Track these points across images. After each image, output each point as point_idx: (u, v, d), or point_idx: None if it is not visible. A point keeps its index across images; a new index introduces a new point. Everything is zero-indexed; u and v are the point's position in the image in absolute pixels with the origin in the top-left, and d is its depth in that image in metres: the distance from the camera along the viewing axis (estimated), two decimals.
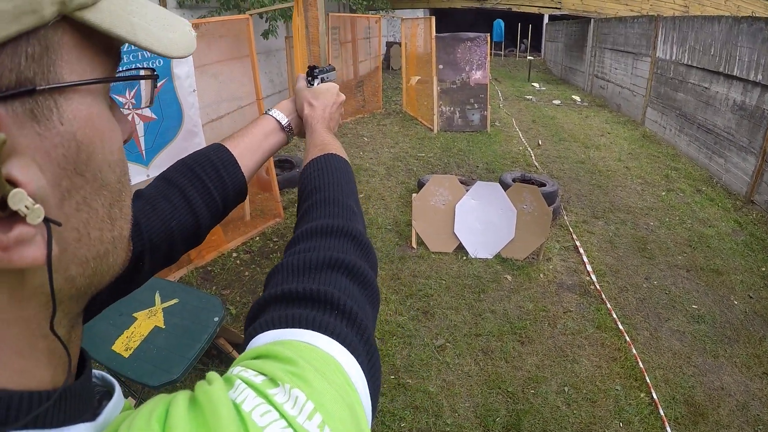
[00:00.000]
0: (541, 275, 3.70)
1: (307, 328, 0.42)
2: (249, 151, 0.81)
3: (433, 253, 3.95)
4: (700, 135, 6.52)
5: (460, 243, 3.96)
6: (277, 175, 4.64)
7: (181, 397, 0.34)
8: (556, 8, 14.92)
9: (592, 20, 12.53)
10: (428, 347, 2.90)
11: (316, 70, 1.02)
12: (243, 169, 0.78)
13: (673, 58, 7.52)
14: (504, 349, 2.90)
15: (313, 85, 0.99)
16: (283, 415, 0.33)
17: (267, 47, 8.03)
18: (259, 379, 0.35)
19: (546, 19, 18.81)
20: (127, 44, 0.34)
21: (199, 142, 3.30)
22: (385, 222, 4.50)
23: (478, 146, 7.07)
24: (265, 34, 6.91)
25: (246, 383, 0.35)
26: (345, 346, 0.42)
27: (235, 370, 0.37)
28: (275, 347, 0.39)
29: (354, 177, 0.73)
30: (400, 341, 2.93)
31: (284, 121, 0.89)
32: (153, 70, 0.43)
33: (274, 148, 0.88)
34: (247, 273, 3.71)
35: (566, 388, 2.63)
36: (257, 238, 4.22)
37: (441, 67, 7.73)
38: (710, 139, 6.24)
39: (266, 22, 6.97)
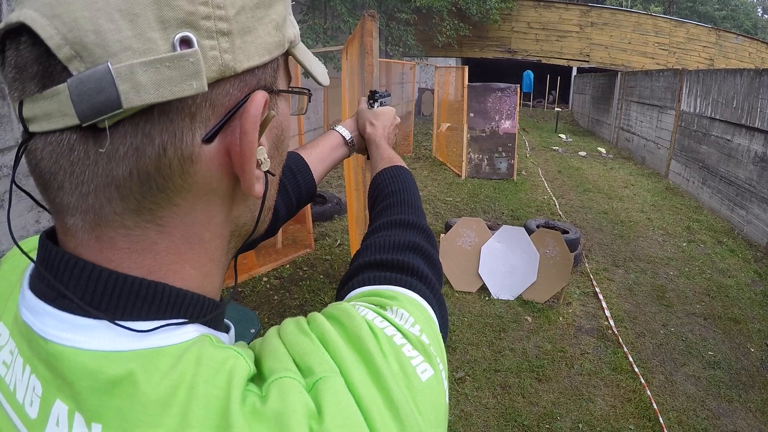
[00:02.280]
0: (561, 318, 3.86)
1: (396, 285, 0.50)
2: (319, 159, 0.94)
3: (456, 291, 4.15)
4: (723, 187, 6.65)
5: (484, 283, 4.16)
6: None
7: (314, 313, 0.43)
8: (585, 61, 15.40)
9: (619, 73, 12.89)
10: (448, 379, 3.07)
11: (377, 94, 1.14)
12: (314, 175, 0.90)
13: (697, 111, 7.73)
14: (521, 385, 3.06)
15: (373, 107, 1.11)
16: (393, 324, 0.42)
17: (305, 86, 8.59)
18: (372, 305, 0.45)
19: (574, 71, 19.29)
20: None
21: None
22: None
23: (505, 194, 7.31)
24: (306, 74, 7.44)
25: (363, 306, 0.44)
26: (426, 300, 0.50)
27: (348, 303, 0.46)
28: (376, 292, 0.49)
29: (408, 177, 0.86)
30: None
31: (348, 136, 1.03)
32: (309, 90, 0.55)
33: (338, 159, 1.04)
34: (276, 297, 3.96)
35: (580, 425, 2.76)
36: (287, 265, 4.48)
37: (472, 115, 8.08)
38: (732, 191, 6.37)
39: None
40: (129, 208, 0.35)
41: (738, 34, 15.25)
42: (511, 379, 3.11)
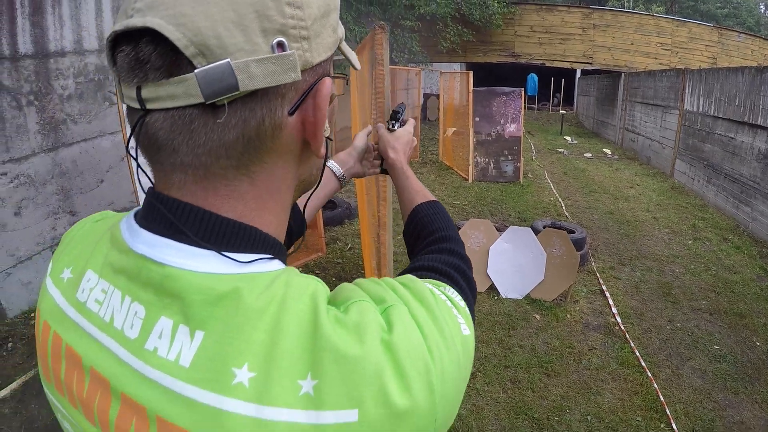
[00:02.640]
0: (568, 315, 3.98)
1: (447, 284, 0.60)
2: (311, 197, 0.95)
3: None
4: (727, 185, 6.74)
5: (493, 283, 4.29)
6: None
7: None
8: (588, 63, 15.51)
9: (623, 74, 12.98)
10: None
11: (397, 114, 1.18)
12: (306, 213, 0.93)
13: (700, 110, 7.82)
14: (531, 380, 3.19)
15: (394, 129, 1.16)
16: (446, 295, 0.53)
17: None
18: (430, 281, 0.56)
19: (578, 74, 19.38)
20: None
21: None
22: None
23: (511, 196, 7.44)
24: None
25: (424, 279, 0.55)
26: (467, 303, 0.58)
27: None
28: (431, 277, 0.60)
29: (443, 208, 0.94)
30: None
31: (339, 172, 1.09)
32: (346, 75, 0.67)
33: (329, 194, 1.12)
34: None
35: (589, 417, 2.89)
36: (300, 269, 4.64)
37: (477, 119, 8.22)
38: (736, 189, 6.46)
39: None
40: (231, 164, 0.47)
41: (740, 32, 15.33)
42: (521, 375, 3.24)
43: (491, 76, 17.42)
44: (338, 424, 0.40)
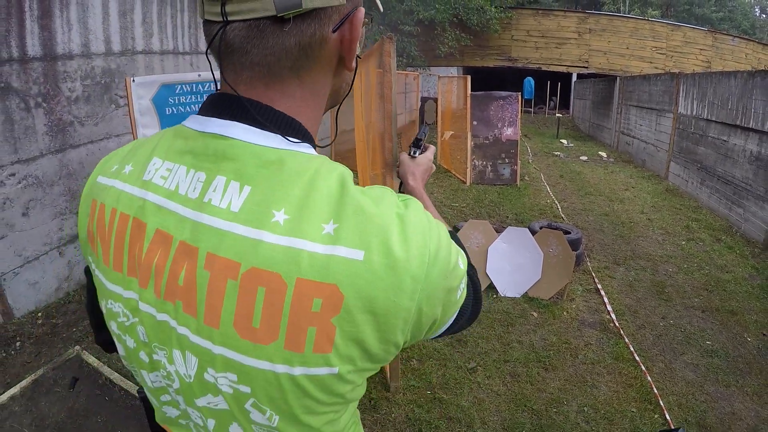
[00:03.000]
0: (565, 313, 4.08)
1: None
2: None
3: None
4: (720, 186, 6.87)
5: (491, 282, 4.39)
6: None
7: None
8: (584, 67, 15.66)
9: (618, 78, 13.13)
10: (461, 369, 3.31)
11: (421, 142, 1.24)
12: None
13: (694, 113, 7.96)
14: (529, 373, 3.29)
15: (415, 156, 1.23)
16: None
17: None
18: None
19: (574, 77, 19.56)
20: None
21: None
22: None
23: (509, 198, 7.55)
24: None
25: None
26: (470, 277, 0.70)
27: None
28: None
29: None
30: (436, 363, 3.35)
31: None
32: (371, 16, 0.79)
33: None
34: None
35: (586, 408, 2.98)
36: None
37: (475, 123, 8.34)
38: (729, 190, 6.59)
39: None
40: (287, 65, 0.60)
41: (734, 36, 15.50)
42: (520, 369, 3.33)
43: (488, 80, 17.60)
44: (347, 258, 0.53)
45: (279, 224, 0.55)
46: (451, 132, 9.45)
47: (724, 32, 16.64)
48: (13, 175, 3.69)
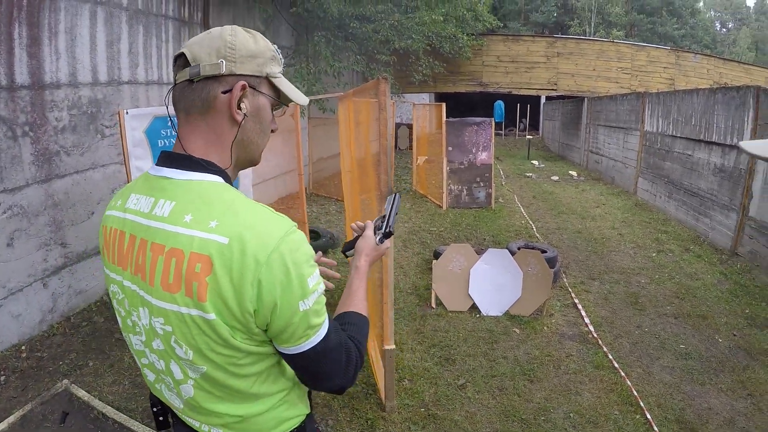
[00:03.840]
0: (545, 328, 4.23)
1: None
2: None
3: (450, 311, 4.50)
4: (687, 199, 7.18)
5: (474, 303, 4.52)
6: None
7: None
8: (553, 89, 16.16)
9: (586, 99, 13.58)
10: (451, 386, 3.40)
11: (387, 221, 1.36)
12: None
13: (660, 130, 8.31)
14: (516, 386, 3.40)
15: (380, 243, 1.34)
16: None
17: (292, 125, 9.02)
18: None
19: (543, 99, 20.12)
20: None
21: None
22: (405, 286, 5.09)
23: (484, 221, 7.73)
24: (302, 113, 7.89)
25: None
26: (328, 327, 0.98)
27: None
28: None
29: (368, 329, 1.17)
30: (426, 382, 3.44)
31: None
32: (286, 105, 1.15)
33: None
34: None
35: (572, 415, 3.11)
36: None
37: (450, 149, 8.54)
38: (696, 202, 6.89)
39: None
40: (197, 111, 0.97)
41: (696, 53, 16.21)
42: (507, 382, 3.45)
43: (459, 105, 18.01)
44: (218, 241, 0.86)
45: (186, 222, 0.90)
46: (426, 157, 9.65)
47: (686, 50, 17.42)
48: None
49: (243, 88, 0.97)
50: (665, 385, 3.44)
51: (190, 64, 0.96)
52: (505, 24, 31.38)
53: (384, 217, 1.38)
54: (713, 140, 6.47)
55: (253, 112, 1.01)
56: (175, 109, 1.02)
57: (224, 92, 0.96)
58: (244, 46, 0.98)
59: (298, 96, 1.10)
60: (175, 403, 1.08)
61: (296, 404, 1.09)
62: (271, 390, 1.03)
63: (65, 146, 4.21)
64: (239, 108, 0.98)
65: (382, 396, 3.14)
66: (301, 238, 0.92)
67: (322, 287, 0.96)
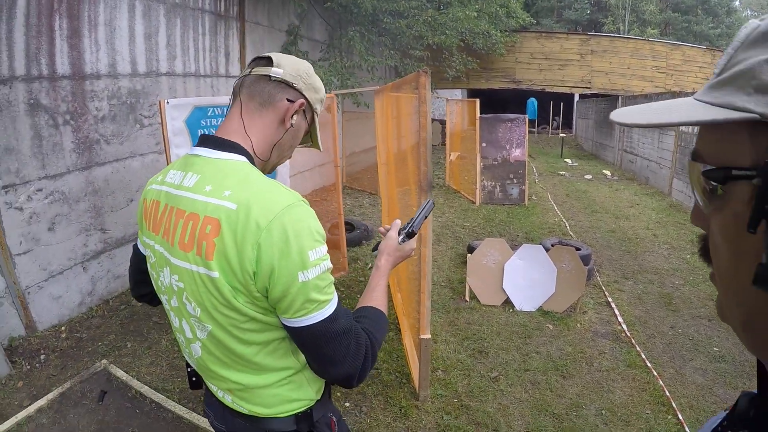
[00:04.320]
0: (578, 325, 4.17)
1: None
2: None
3: (483, 305, 4.48)
4: None
5: (508, 297, 4.48)
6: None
7: None
8: (586, 87, 15.88)
9: (620, 97, 13.32)
10: (485, 378, 3.39)
11: (414, 234, 1.35)
12: None
13: (695, 130, 8.10)
14: (549, 381, 3.37)
15: (402, 243, 1.34)
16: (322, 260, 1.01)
17: (328, 118, 9.09)
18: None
19: (576, 98, 19.79)
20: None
21: None
22: (439, 279, 5.08)
23: (518, 218, 7.66)
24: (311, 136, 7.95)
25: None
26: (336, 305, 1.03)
27: None
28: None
29: (386, 324, 1.20)
30: (460, 373, 3.44)
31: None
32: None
33: None
34: None
35: (603, 412, 3.06)
36: None
37: (484, 145, 8.49)
38: None
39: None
40: (256, 103, 1.10)
41: None
42: (539, 377, 3.42)
43: (492, 102, 17.85)
44: (227, 207, 0.94)
45: (206, 191, 0.99)
46: (458, 153, 9.59)
47: (722, 49, 16.91)
48: (40, 190, 3.78)
49: (302, 105, 1.13)
50: (698, 387, 3.37)
51: (272, 65, 1.12)
52: (537, 21, 30.97)
53: (412, 219, 1.38)
54: None
55: (296, 126, 1.16)
56: (239, 93, 1.13)
57: (289, 100, 1.12)
58: (314, 79, 1.17)
59: (319, 138, 1.29)
60: (193, 364, 1.18)
61: (303, 387, 1.11)
62: (276, 365, 1.07)
63: (105, 135, 4.32)
64: (291, 117, 1.13)
65: (416, 385, 3.16)
66: (306, 212, 0.97)
67: (326, 265, 0.99)
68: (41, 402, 3.00)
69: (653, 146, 10.23)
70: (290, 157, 1.23)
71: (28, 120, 3.65)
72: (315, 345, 0.99)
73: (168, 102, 3.34)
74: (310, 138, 1.27)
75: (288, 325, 0.98)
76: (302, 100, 1.12)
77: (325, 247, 1.00)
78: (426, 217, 1.40)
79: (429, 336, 2.94)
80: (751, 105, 0.37)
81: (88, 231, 4.25)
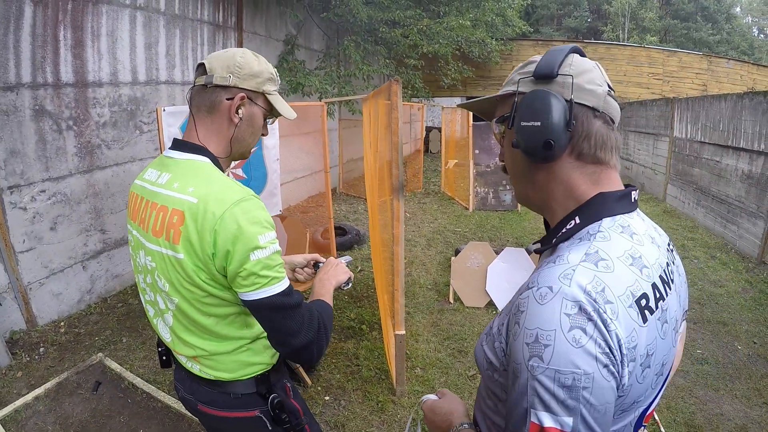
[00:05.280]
0: None
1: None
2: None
3: (467, 307, 4.59)
4: (715, 206, 7.07)
5: (491, 299, 4.60)
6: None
7: None
8: None
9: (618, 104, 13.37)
10: (462, 376, 3.50)
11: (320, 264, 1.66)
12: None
13: (689, 136, 8.18)
14: None
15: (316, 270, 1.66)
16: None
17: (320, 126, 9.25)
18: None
19: None
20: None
21: (276, 202, 4.01)
22: (426, 282, 5.20)
23: (509, 223, 7.76)
24: (330, 114, 8.11)
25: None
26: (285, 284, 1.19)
27: None
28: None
29: (331, 312, 1.38)
30: (438, 371, 3.55)
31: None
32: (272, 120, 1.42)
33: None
34: None
35: None
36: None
37: (477, 152, 8.61)
38: (723, 209, 6.79)
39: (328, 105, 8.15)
40: (205, 110, 1.26)
41: (729, 59, 15.77)
42: None
43: None
44: (190, 201, 1.13)
45: (175, 188, 1.17)
46: (456, 161, 9.72)
47: (719, 55, 16.99)
48: (43, 191, 3.96)
49: (242, 98, 1.25)
50: (677, 389, 3.45)
51: (206, 73, 1.24)
52: (537, 29, 31.16)
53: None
54: (741, 146, 6.37)
55: (247, 117, 1.28)
56: (190, 105, 1.28)
57: (228, 99, 1.24)
58: (249, 66, 1.26)
59: (286, 111, 1.37)
60: (165, 335, 1.34)
61: (260, 353, 1.32)
62: (236, 334, 1.27)
63: (106, 140, 4.49)
64: (237, 113, 1.25)
65: (394, 381, 3.27)
66: (254, 205, 1.14)
67: (275, 247, 1.15)
68: (38, 391, 3.16)
69: (648, 152, 10.33)
70: (262, 136, 1.37)
71: (33, 125, 3.83)
72: (272, 318, 1.15)
73: (164, 109, 3.50)
74: (274, 115, 1.38)
75: (245, 299, 1.15)
76: (241, 94, 1.25)
77: (273, 233, 1.16)
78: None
79: (403, 332, 3.05)
80: (508, 88, 0.91)
81: (89, 231, 4.41)
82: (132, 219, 1.30)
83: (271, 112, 1.36)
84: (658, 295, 0.79)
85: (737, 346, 4.03)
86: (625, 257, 0.77)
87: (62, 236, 4.16)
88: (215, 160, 1.25)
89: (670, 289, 0.84)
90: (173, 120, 3.55)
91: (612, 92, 0.88)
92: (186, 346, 1.28)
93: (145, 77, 4.87)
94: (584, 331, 0.68)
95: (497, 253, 4.74)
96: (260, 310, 1.15)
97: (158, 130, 3.51)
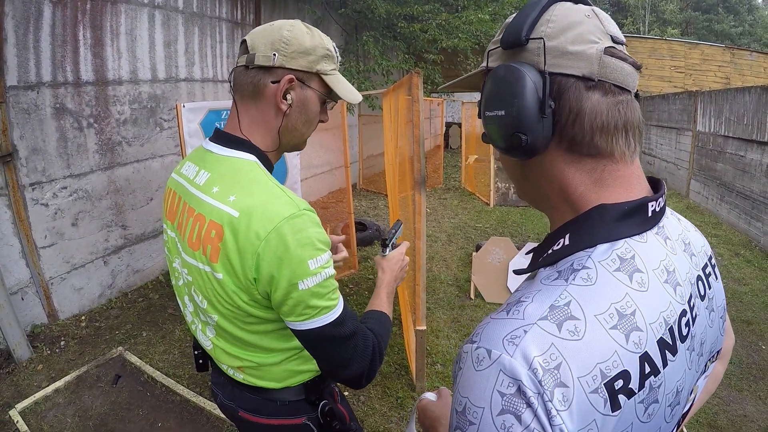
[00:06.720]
0: None
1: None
2: None
3: (488, 303, 4.56)
4: (739, 202, 6.91)
5: None
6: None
7: None
8: None
9: (641, 98, 13.16)
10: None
11: (387, 241, 1.38)
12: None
13: (712, 130, 8.00)
14: None
15: (385, 254, 1.38)
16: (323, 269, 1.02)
17: (341, 121, 9.26)
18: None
19: None
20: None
21: None
22: (447, 278, 5.18)
23: (531, 219, 7.68)
24: (350, 110, 8.11)
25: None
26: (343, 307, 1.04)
27: None
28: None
29: (390, 326, 1.21)
30: None
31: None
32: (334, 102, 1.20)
33: None
34: None
35: None
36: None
37: None
38: (748, 205, 6.63)
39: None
40: (248, 94, 1.09)
41: (752, 51, 15.40)
42: None
43: None
44: (230, 214, 0.97)
45: (213, 193, 1.02)
46: (476, 156, 9.65)
47: (742, 47, 16.60)
48: (65, 188, 4.02)
49: (290, 81, 1.05)
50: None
51: (248, 52, 1.06)
52: None
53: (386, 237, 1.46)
54: (765, 140, 6.21)
55: (298, 104, 1.08)
56: (233, 89, 1.11)
57: (273, 82, 1.05)
58: (298, 42, 1.05)
59: (348, 94, 1.14)
60: (205, 343, 1.21)
61: (310, 360, 1.18)
62: (284, 346, 1.13)
63: (126, 137, 4.54)
64: (285, 98, 1.06)
65: (414, 377, 3.26)
66: (306, 222, 0.97)
67: (328, 272, 0.99)
68: (58, 383, 3.22)
69: (671, 147, 10.13)
70: (311, 132, 1.18)
71: (54, 123, 3.88)
72: (321, 348, 1.02)
73: (184, 106, 3.53)
74: (333, 99, 1.16)
75: (292, 327, 1.02)
76: (288, 76, 1.05)
77: (327, 254, 1.00)
78: (395, 233, 1.49)
79: (424, 327, 3.04)
80: (484, 63, 0.73)
81: (110, 227, 4.47)
82: (168, 219, 1.16)
83: (330, 96, 1.14)
84: (648, 371, 0.57)
85: (761, 345, 3.94)
86: (608, 315, 0.56)
87: (84, 232, 4.22)
88: (262, 156, 1.08)
89: (682, 342, 0.62)
90: (193, 116, 3.59)
91: (616, 48, 0.63)
92: (231, 357, 1.16)
93: (165, 75, 4.91)
94: (518, 419, 0.52)
95: (519, 248, 4.69)
96: (308, 339, 1.02)
97: (178, 126, 3.55)
